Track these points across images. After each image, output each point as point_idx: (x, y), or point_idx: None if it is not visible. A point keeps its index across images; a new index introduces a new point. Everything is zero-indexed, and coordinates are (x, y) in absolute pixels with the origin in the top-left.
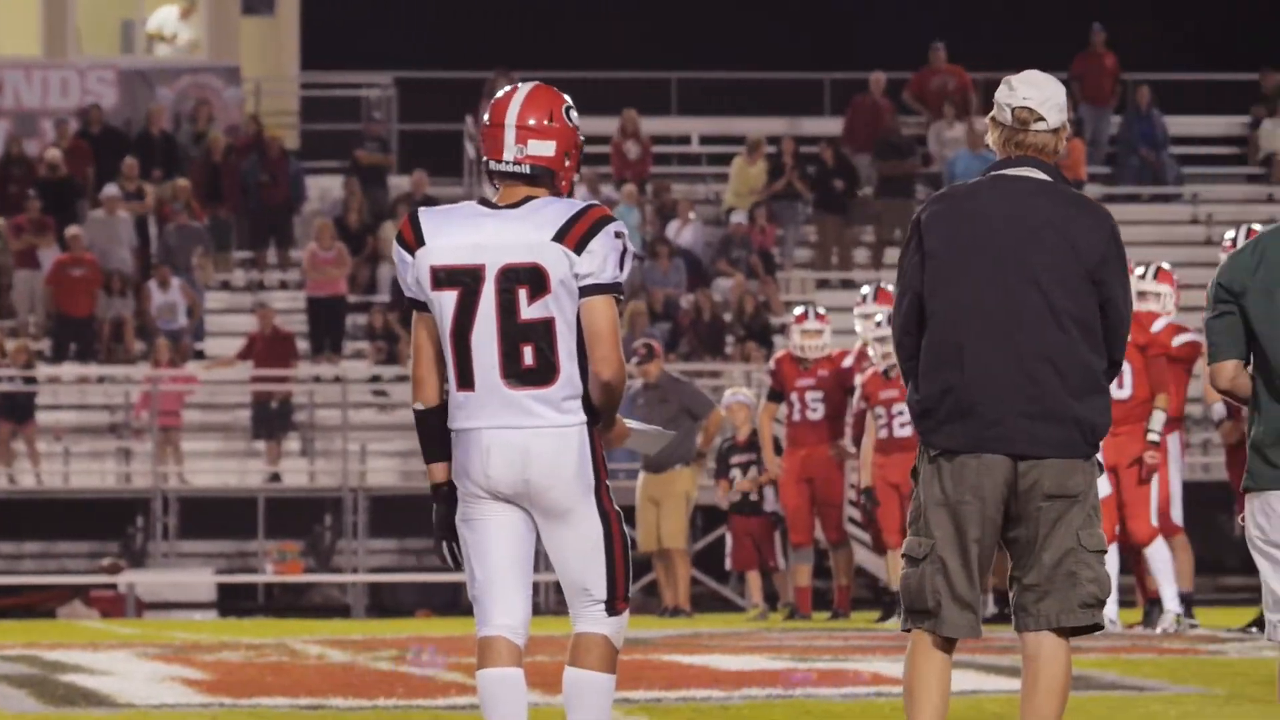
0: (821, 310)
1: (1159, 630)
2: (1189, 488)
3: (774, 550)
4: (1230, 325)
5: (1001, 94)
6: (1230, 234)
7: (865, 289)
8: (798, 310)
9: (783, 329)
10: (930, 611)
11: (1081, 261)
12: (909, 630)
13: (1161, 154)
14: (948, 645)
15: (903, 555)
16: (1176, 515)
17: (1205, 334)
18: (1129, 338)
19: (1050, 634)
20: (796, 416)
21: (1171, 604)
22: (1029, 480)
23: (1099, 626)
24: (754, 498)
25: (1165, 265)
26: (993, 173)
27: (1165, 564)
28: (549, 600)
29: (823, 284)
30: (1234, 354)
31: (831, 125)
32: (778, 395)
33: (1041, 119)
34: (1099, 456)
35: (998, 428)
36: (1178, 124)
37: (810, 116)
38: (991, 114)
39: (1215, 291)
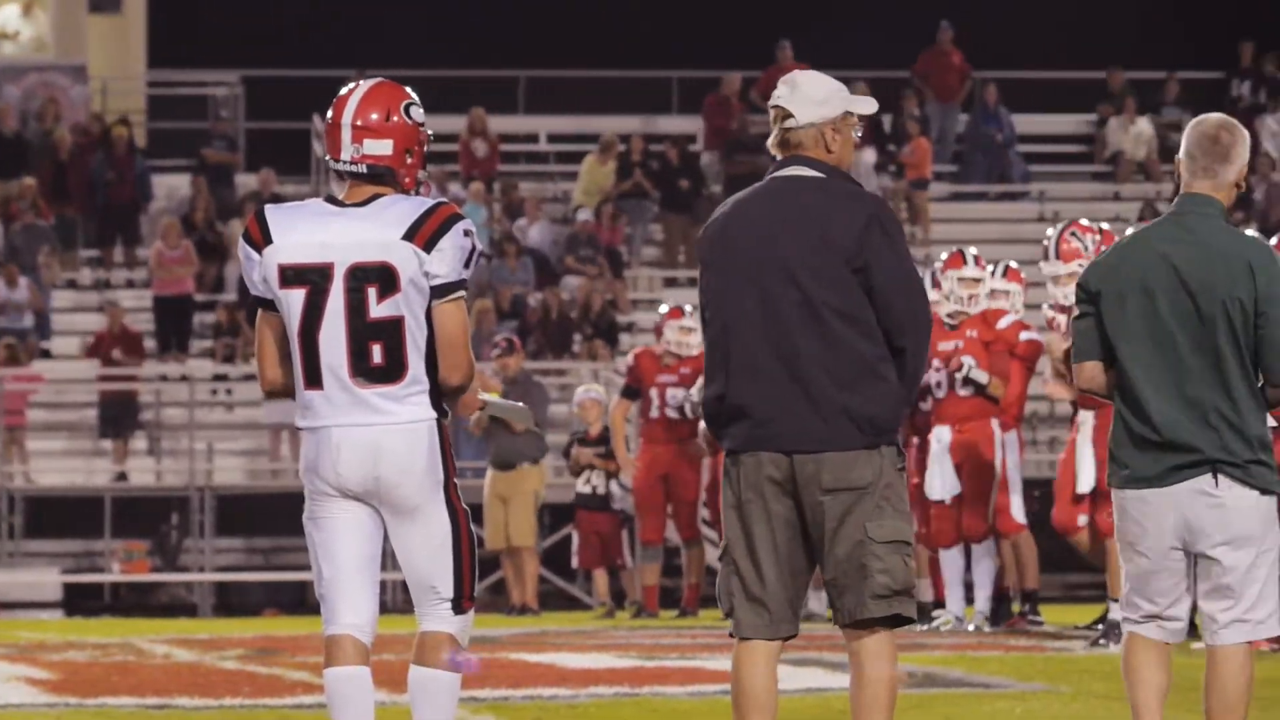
0: (689, 308)
1: (960, 628)
2: (1038, 485)
3: (621, 548)
4: (1089, 326)
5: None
6: (1050, 231)
7: (664, 307)
8: (667, 307)
9: (630, 327)
10: (729, 612)
11: (838, 253)
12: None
13: (1009, 152)
14: (770, 645)
15: (718, 558)
16: (1018, 513)
17: (1071, 332)
18: (927, 325)
19: (869, 629)
20: (655, 413)
21: (955, 607)
22: (806, 475)
23: (902, 619)
24: (601, 491)
25: (1014, 264)
26: (768, 175)
27: (988, 568)
28: (395, 598)
29: (670, 282)
30: (1094, 354)
31: (681, 124)
32: (633, 392)
33: (790, 115)
34: (898, 447)
35: (769, 426)
36: (1025, 122)
37: (659, 115)
38: None
39: (1077, 292)
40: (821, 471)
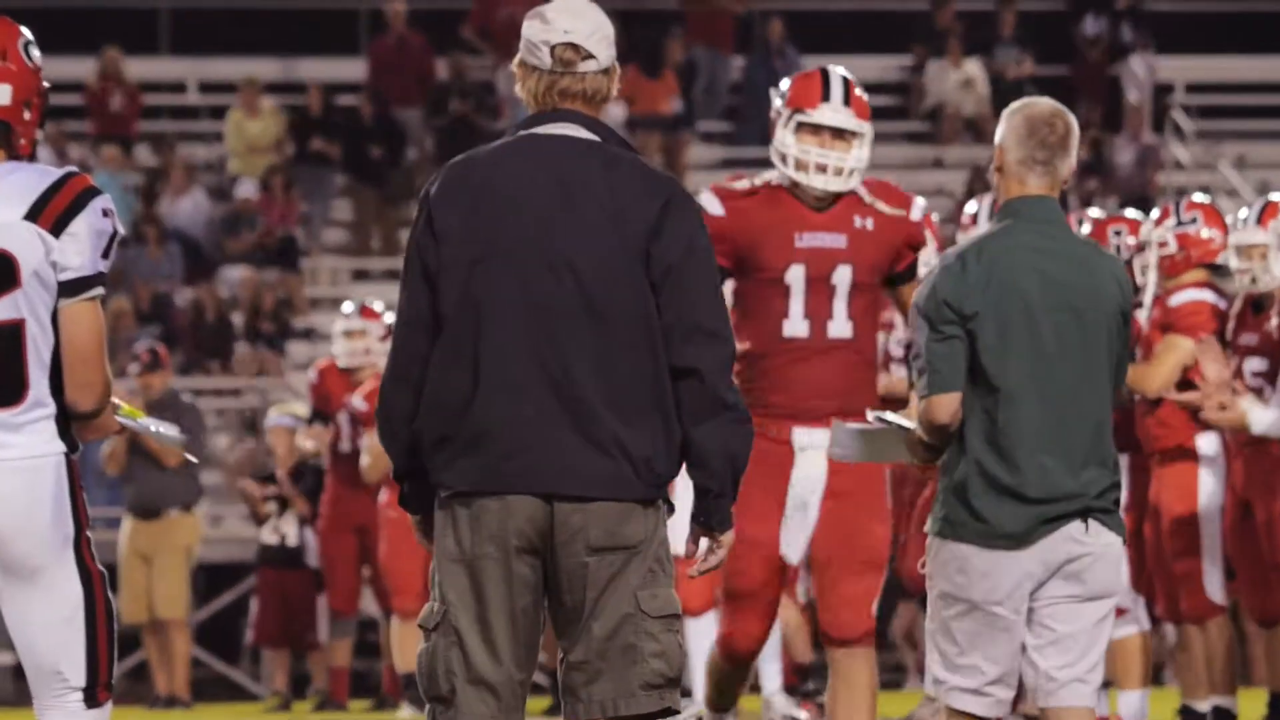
0: (379, 306)
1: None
2: None
3: (315, 619)
4: (956, 352)
5: (533, 30)
6: (972, 207)
7: (347, 305)
8: (347, 307)
9: (308, 334)
10: (444, 698)
11: (632, 241)
12: None
13: None
14: None
15: (418, 625)
16: None
17: (924, 357)
18: (729, 345)
19: None
20: (345, 445)
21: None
22: (569, 528)
23: (672, 712)
24: (292, 542)
25: None
26: (523, 131)
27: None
28: (4, 687)
29: (360, 275)
30: (959, 385)
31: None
32: (322, 416)
33: (591, 56)
34: (670, 497)
35: (522, 459)
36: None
37: (343, 57)
38: (519, 57)
39: (939, 310)
40: (589, 525)
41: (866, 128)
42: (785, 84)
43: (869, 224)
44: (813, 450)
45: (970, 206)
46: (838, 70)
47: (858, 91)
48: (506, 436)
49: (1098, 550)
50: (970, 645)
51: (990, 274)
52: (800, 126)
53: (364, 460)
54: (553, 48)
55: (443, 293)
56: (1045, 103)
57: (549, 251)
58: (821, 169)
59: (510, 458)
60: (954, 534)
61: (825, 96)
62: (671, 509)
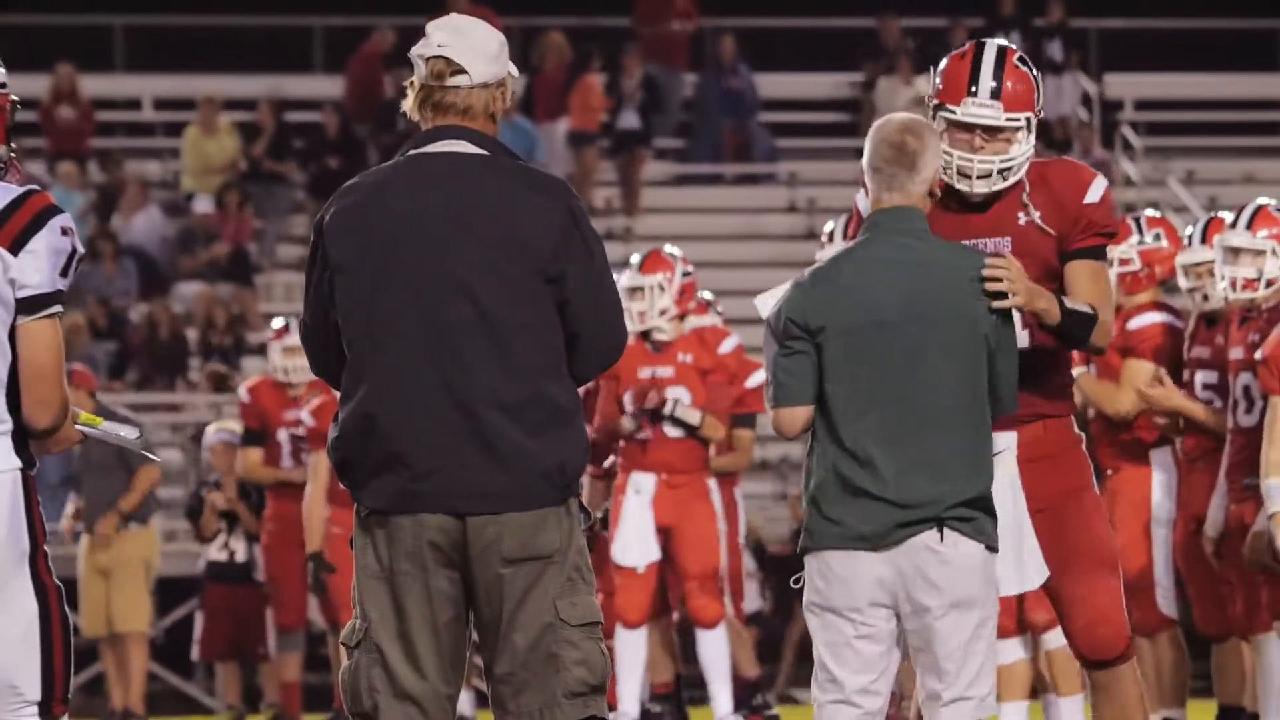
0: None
1: None
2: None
3: (265, 633)
4: (803, 366)
5: (418, 46)
6: (830, 225)
7: (278, 321)
8: (278, 322)
9: (263, 349)
10: (367, 714)
11: (529, 255)
12: None
13: (750, 122)
14: None
15: (341, 643)
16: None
17: (772, 372)
18: (616, 357)
19: None
20: (287, 462)
21: (632, 707)
22: (483, 541)
23: (597, 719)
24: (241, 558)
25: (670, 251)
26: (411, 151)
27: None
28: None
29: None
30: (807, 399)
31: (325, 86)
32: (256, 435)
33: (461, 71)
34: (581, 501)
35: (433, 480)
36: (772, 84)
37: (298, 75)
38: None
39: (785, 327)
40: (503, 537)
41: (1022, 117)
42: (944, 62)
43: (1037, 216)
44: (1007, 453)
45: (828, 225)
46: (992, 49)
47: (1013, 78)
48: (416, 459)
49: (956, 559)
50: (832, 656)
51: (842, 288)
52: (949, 123)
53: (310, 488)
54: (426, 60)
55: (344, 320)
56: (896, 119)
57: (447, 273)
58: (979, 175)
59: (421, 480)
60: (814, 543)
61: (972, 89)
62: (588, 515)
